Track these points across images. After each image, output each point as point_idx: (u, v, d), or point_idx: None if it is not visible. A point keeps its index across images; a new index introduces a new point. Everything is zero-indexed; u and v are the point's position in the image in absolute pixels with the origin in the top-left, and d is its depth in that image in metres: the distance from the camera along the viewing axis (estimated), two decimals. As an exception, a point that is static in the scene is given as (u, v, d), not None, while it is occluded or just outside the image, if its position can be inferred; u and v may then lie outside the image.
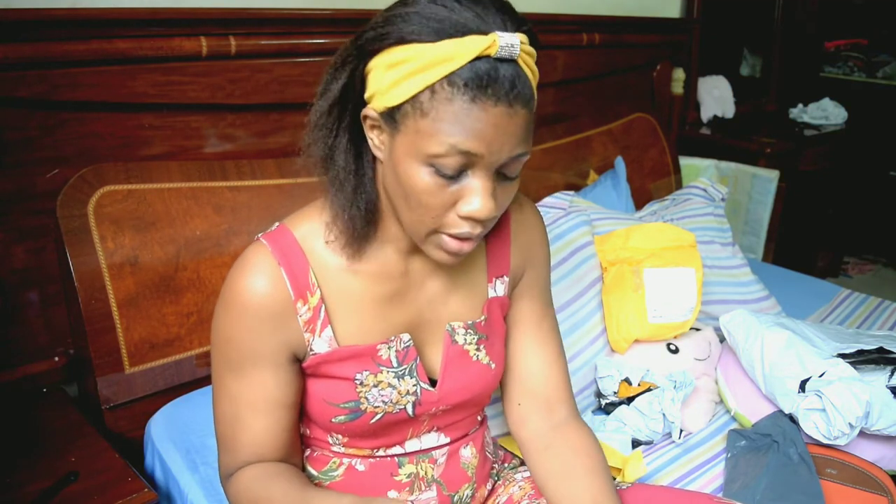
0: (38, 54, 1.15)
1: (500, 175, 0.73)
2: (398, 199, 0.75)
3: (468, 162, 0.70)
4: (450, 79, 0.66)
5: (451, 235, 0.75)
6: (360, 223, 0.79)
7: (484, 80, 0.66)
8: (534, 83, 0.71)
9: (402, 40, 0.68)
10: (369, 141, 0.76)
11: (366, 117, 0.75)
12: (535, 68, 0.71)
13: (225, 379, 0.83)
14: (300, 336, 0.82)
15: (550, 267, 1.00)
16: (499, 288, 0.93)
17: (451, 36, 0.66)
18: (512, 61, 0.67)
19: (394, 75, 0.69)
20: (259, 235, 0.83)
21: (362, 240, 0.81)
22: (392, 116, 0.71)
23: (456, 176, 0.71)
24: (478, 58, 0.66)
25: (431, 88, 0.67)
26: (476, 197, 0.71)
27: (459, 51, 0.66)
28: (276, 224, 0.84)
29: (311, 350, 0.82)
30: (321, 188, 0.82)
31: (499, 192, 0.74)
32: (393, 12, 0.70)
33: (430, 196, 0.71)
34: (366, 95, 0.74)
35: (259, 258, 0.80)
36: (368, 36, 0.71)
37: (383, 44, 0.70)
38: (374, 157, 0.79)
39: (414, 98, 0.68)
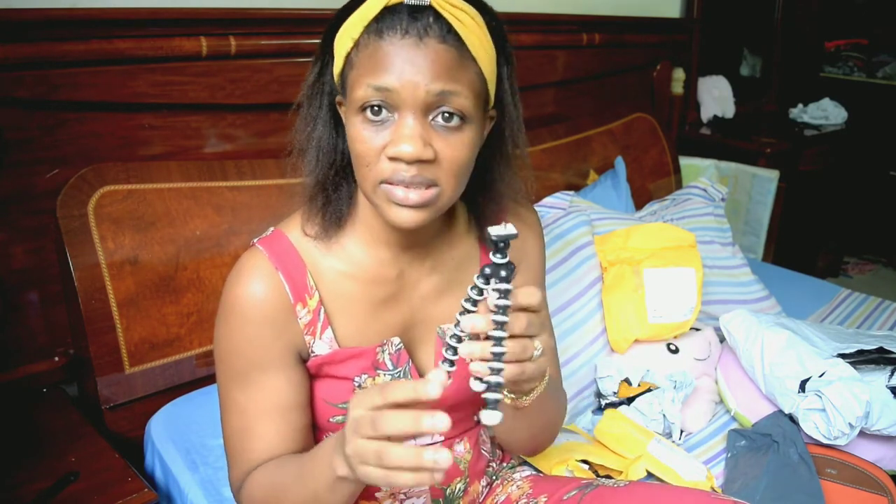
0: (38, 54, 1.15)
1: (436, 121, 0.72)
2: (354, 169, 0.76)
3: (389, 101, 0.71)
4: (366, 28, 0.71)
5: (388, 182, 0.73)
6: (334, 206, 0.81)
7: (389, 17, 0.70)
8: (464, 30, 0.71)
9: (346, 13, 0.74)
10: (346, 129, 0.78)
11: (340, 104, 0.78)
12: (468, 21, 0.71)
13: (233, 392, 0.82)
14: (301, 339, 0.82)
15: (545, 267, 1.00)
16: None
17: None
18: (426, 7, 0.70)
19: (339, 45, 0.74)
20: (255, 241, 0.83)
21: (335, 224, 0.82)
22: (343, 86, 0.75)
23: (385, 121, 0.72)
24: (389, 7, 0.70)
25: (356, 43, 0.72)
26: (399, 136, 0.71)
27: (371, 3, 0.71)
28: (271, 229, 0.85)
29: (313, 352, 0.83)
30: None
31: (438, 140, 0.72)
32: None
33: (363, 143, 0.73)
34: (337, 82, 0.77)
35: (256, 264, 0.81)
36: (332, 21, 0.76)
37: (339, 22, 0.75)
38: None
39: (347, 58, 0.73)
